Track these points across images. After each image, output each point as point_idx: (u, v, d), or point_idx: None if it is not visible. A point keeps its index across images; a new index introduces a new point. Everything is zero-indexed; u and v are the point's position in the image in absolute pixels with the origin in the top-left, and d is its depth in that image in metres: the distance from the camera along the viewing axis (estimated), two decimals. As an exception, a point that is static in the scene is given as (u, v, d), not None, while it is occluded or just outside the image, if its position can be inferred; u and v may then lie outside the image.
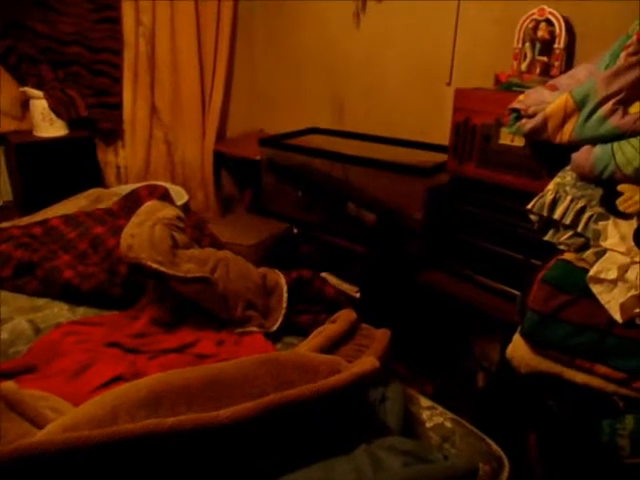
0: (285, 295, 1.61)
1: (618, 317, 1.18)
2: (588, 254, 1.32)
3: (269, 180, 2.73)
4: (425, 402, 1.29)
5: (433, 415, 1.25)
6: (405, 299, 2.11)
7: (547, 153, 1.59)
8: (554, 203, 1.42)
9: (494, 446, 1.17)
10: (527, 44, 1.89)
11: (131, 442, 0.75)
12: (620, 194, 1.24)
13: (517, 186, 1.71)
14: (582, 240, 1.36)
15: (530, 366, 1.34)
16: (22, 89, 2.56)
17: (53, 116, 2.57)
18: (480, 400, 1.90)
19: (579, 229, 1.36)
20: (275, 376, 0.94)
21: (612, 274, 1.20)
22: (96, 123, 2.76)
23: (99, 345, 1.44)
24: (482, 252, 1.87)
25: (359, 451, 0.92)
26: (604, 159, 1.29)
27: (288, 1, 2.98)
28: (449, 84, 2.30)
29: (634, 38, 1.27)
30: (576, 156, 1.37)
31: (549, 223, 1.46)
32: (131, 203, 2.04)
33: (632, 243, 1.20)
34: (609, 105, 1.28)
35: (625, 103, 1.28)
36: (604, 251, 1.26)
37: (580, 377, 1.27)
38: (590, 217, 1.34)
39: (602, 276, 1.21)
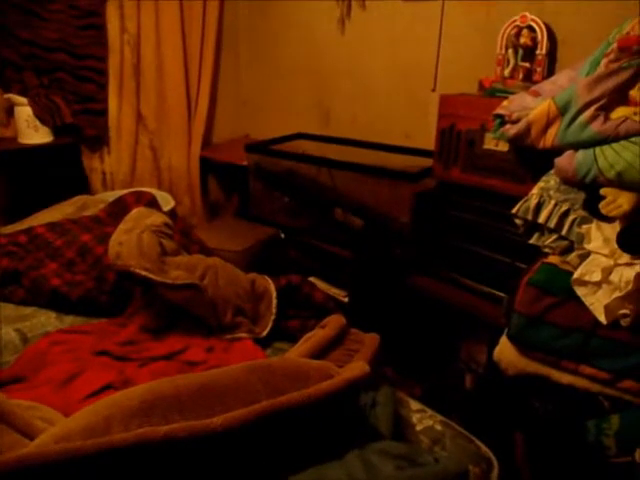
0: (275, 301, 1.61)
1: (603, 319, 1.20)
2: (572, 257, 1.34)
3: (256, 186, 2.74)
4: (415, 405, 1.31)
5: (423, 418, 1.26)
6: (393, 303, 2.13)
7: (531, 158, 1.62)
8: (538, 207, 1.44)
9: (483, 448, 1.19)
10: (510, 50, 1.92)
11: (125, 451, 0.75)
12: (603, 198, 1.26)
13: (502, 190, 1.74)
14: (566, 243, 1.38)
15: (517, 368, 1.36)
16: (6, 96, 2.54)
17: (38, 123, 2.55)
18: (468, 402, 1.92)
19: (563, 232, 1.38)
20: (267, 383, 0.95)
21: (596, 276, 1.22)
22: (81, 130, 2.74)
23: (88, 353, 1.43)
24: (469, 256, 1.89)
25: (351, 456, 0.93)
26: (587, 163, 1.31)
27: (273, 7, 2.99)
28: (434, 90, 2.33)
29: (615, 45, 1.29)
30: (559, 161, 1.39)
31: (534, 227, 1.48)
32: (118, 210, 2.03)
33: (615, 245, 1.22)
34: (591, 111, 1.31)
35: (606, 109, 1.30)
36: (588, 254, 1.28)
37: (566, 378, 1.29)
38: (574, 220, 1.37)
39: (586, 278, 1.23)
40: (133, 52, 2.82)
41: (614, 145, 1.27)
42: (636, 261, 1.18)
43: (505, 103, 1.61)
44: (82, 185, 2.77)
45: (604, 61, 1.33)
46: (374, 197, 2.26)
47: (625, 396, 1.22)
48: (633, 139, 1.24)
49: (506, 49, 1.93)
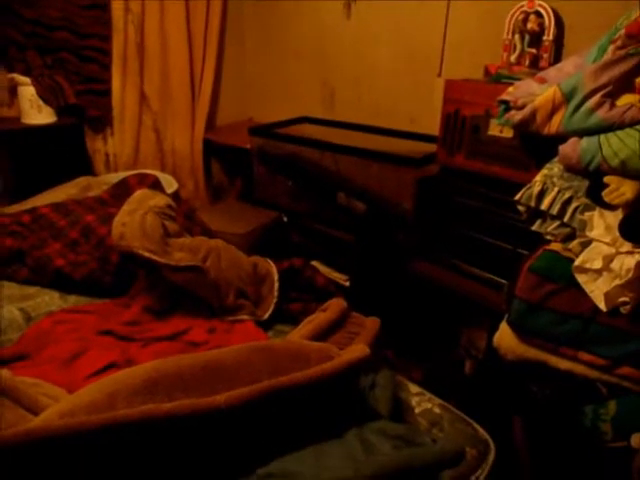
0: (276, 284, 1.62)
1: (602, 306, 1.21)
2: (574, 244, 1.34)
3: (260, 169, 2.73)
4: (414, 388, 1.32)
5: (422, 401, 1.27)
6: (394, 288, 2.13)
7: (535, 145, 1.61)
8: (541, 194, 1.43)
9: (481, 431, 1.20)
10: (517, 36, 1.91)
11: (129, 427, 0.76)
12: (606, 186, 1.26)
13: (506, 177, 1.73)
14: (568, 230, 1.39)
15: (516, 354, 1.37)
16: (10, 76, 2.53)
17: (41, 103, 2.54)
18: (468, 386, 1.94)
19: (565, 219, 1.38)
20: (268, 363, 0.96)
21: (597, 264, 1.22)
22: (85, 110, 2.73)
23: (91, 333, 1.44)
24: (471, 242, 1.89)
25: (350, 435, 0.95)
26: (591, 151, 1.30)
27: (279, -11, 2.96)
28: (439, 75, 2.31)
29: (622, 32, 1.28)
30: (563, 148, 1.39)
31: (537, 213, 1.48)
32: (121, 191, 2.04)
33: (617, 234, 1.22)
34: (597, 98, 1.30)
35: (612, 96, 1.29)
36: (590, 241, 1.28)
37: (564, 364, 1.30)
38: (576, 208, 1.37)
39: (587, 266, 1.24)
40: (137, 32, 2.80)
41: (619, 133, 1.27)
42: (637, 249, 1.19)
43: (510, 89, 1.60)
44: (85, 166, 2.77)
45: (611, 47, 1.32)
46: (377, 182, 2.25)
47: (623, 383, 1.23)
48: (638, 127, 1.24)
49: (513, 34, 1.91)
